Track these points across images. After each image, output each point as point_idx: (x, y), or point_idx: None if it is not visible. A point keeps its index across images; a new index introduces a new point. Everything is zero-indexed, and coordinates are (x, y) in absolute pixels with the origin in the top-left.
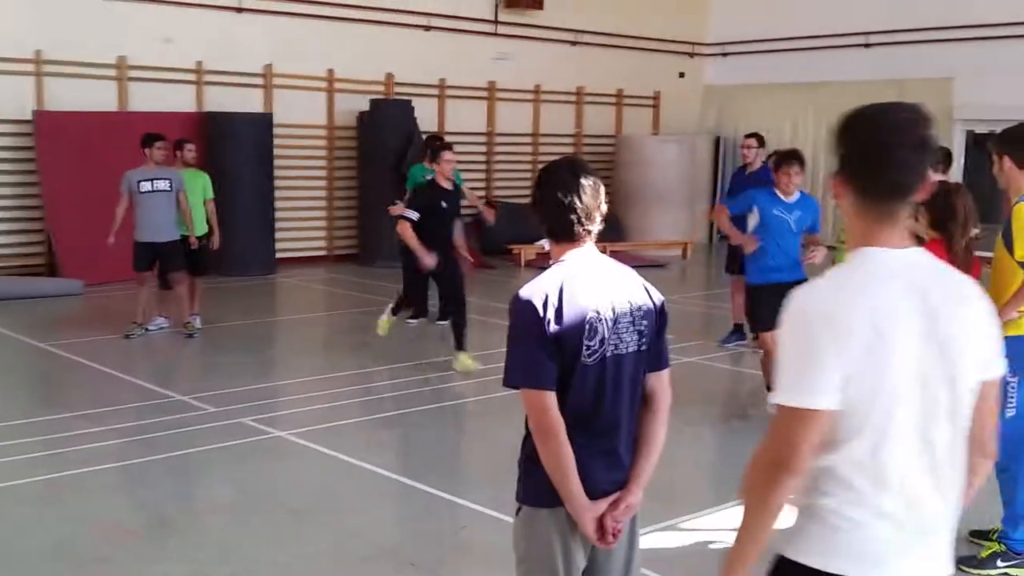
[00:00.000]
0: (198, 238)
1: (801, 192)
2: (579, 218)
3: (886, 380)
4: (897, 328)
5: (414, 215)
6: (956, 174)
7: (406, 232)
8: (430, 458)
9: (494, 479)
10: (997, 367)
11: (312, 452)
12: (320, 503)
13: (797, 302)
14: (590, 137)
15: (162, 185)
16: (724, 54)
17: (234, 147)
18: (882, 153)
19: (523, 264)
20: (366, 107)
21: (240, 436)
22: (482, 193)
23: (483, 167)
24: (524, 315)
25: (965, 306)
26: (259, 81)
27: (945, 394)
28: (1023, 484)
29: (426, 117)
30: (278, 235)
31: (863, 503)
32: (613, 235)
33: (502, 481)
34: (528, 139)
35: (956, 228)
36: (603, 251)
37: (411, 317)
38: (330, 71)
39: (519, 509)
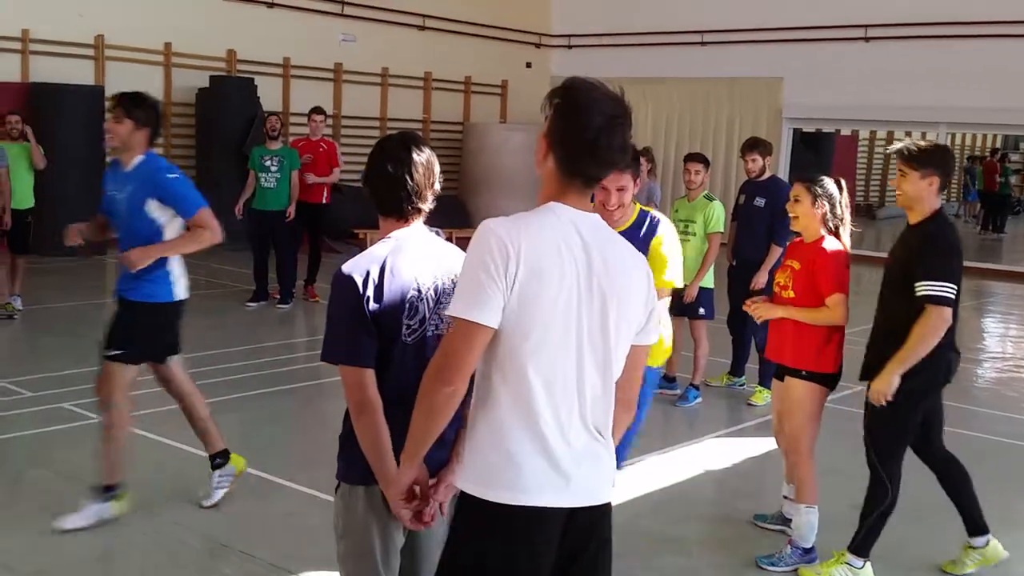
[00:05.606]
0: (25, 212)
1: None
2: (409, 195)
3: (536, 314)
4: (558, 272)
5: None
6: (782, 169)
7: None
8: (265, 442)
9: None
10: (649, 335)
11: (138, 438)
12: (147, 491)
13: (484, 227)
14: (438, 123)
15: None
16: (569, 46)
17: (63, 120)
18: (592, 140)
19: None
20: (206, 83)
21: (59, 422)
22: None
23: None
24: (344, 290)
25: (627, 273)
26: (90, 52)
27: (599, 345)
28: None
29: (270, 96)
30: None
31: (516, 432)
32: (459, 221)
33: (334, 462)
34: (375, 123)
35: None
36: (448, 237)
37: (251, 300)
38: (167, 44)
39: (338, 486)
